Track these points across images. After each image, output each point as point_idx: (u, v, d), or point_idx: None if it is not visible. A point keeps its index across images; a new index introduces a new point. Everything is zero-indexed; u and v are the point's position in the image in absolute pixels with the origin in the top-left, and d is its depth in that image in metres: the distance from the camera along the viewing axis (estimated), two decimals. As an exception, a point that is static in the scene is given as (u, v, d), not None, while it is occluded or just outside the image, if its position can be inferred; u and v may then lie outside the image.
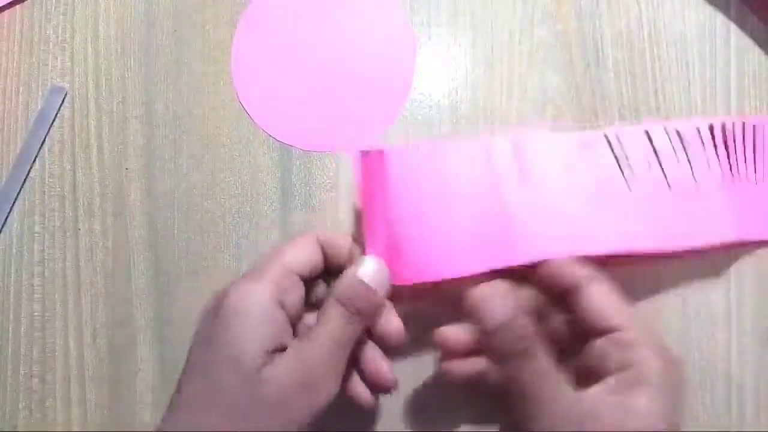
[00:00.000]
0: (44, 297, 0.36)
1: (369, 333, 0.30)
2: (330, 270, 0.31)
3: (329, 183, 0.35)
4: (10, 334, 0.35)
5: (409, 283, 0.30)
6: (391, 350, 0.30)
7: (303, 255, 0.30)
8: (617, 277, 0.34)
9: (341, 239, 0.31)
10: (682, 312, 0.34)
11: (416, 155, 0.31)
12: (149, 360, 0.35)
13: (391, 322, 0.30)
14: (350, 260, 0.31)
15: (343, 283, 0.29)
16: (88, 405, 0.35)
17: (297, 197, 0.35)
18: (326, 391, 0.27)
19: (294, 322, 0.29)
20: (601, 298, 0.27)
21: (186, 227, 0.35)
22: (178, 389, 0.27)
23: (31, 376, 0.35)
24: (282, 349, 0.27)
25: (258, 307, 0.27)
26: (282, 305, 0.28)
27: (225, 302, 0.27)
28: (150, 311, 0.35)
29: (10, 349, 0.35)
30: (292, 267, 0.29)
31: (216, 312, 0.27)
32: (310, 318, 0.30)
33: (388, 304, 0.30)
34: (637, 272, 0.34)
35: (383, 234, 0.30)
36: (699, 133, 0.33)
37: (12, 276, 0.36)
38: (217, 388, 0.26)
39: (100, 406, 0.35)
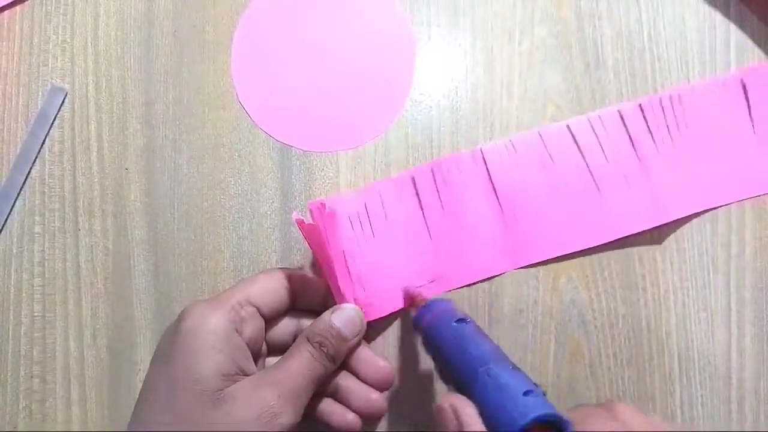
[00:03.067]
0: (44, 297, 0.36)
1: (357, 375, 0.31)
2: (301, 309, 0.32)
3: (329, 183, 0.35)
4: (11, 335, 0.35)
5: (376, 318, 0.32)
6: (383, 389, 0.32)
7: (264, 289, 0.30)
8: (618, 275, 0.34)
9: (315, 282, 0.32)
10: (682, 312, 0.34)
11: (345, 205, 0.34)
12: (149, 360, 0.35)
13: (379, 366, 0.31)
14: (324, 302, 0.32)
15: (317, 325, 0.30)
16: (88, 405, 0.35)
17: (297, 197, 0.35)
18: (287, 420, 0.27)
19: (253, 353, 0.30)
20: None
21: (186, 227, 0.35)
22: (137, 408, 0.28)
23: (32, 376, 0.35)
24: (243, 374, 0.28)
25: (213, 330, 0.28)
26: (239, 333, 0.29)
27: (181, 325, 0.28)
28: (150, 311, 0.35)
29: (10, 350, 0.35)
30: (249, 299, 0.30)
31: (173, 334, 0.28)
32: (274, 360, 0.31)
33: (366, 347, 0.32)
34: (637, 273, 0.34)
35: (348, 281, 0.32)
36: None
37: (12, 276, 0.36)
38: (175, 406, 0.26)
39: (100, 406, 0.35)
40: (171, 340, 0.28)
